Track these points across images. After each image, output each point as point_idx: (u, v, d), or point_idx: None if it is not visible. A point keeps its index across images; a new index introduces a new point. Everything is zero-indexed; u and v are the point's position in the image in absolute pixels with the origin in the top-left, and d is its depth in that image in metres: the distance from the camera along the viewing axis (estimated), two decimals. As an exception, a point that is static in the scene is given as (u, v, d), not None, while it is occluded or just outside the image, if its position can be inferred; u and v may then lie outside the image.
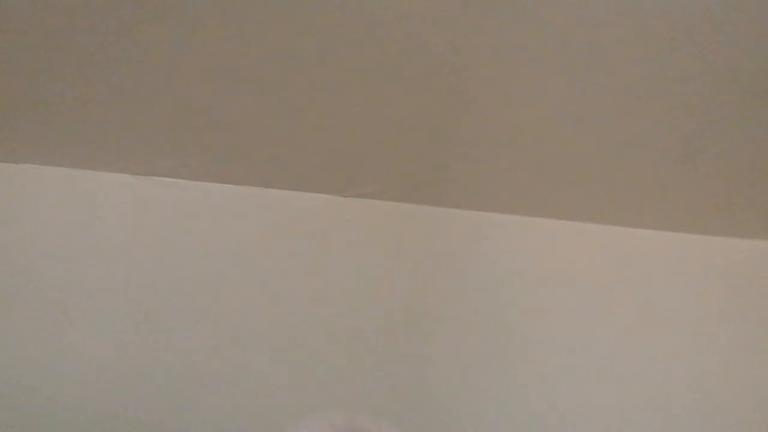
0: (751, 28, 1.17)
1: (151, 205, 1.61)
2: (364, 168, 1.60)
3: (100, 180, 1.60)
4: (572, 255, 1.76)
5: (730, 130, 1.43)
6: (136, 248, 1.59)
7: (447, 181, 1.64)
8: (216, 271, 1.61)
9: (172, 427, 1.51)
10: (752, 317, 1.79)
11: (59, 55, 1.26)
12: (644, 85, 1.31)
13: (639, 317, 1.75)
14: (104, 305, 1.54)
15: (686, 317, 1.76)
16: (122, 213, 1.60)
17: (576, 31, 1.18)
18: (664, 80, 1.30)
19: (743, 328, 1.78)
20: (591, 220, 1.77)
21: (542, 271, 1.74)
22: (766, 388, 1.74)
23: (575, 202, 1.70)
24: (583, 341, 1.71)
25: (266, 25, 1.18)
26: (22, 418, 1.46)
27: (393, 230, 1.70)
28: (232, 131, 1.47)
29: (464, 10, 1.14)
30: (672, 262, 1.79)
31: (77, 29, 1.19)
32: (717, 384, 1.73)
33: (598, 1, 1.12)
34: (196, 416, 1.52)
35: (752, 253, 1.82)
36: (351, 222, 1.69)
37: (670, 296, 1.77)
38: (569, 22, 1.17)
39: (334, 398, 1.57)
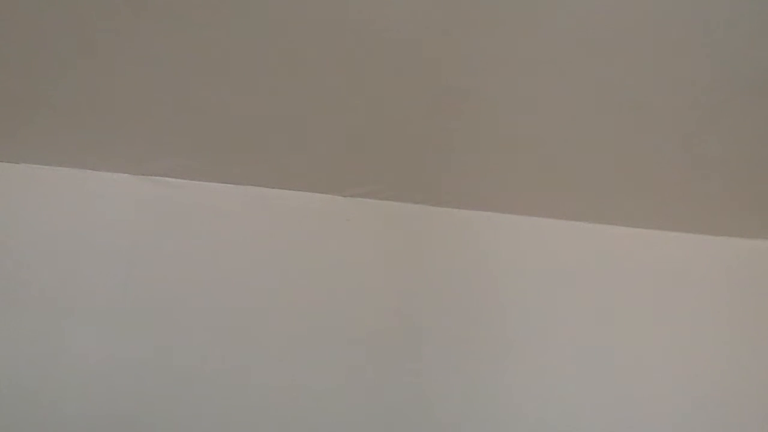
0: (751, 28, 1.17)
1: (151, 205, 1.61)
2: (364, 168, 1.60)
3: (100, 180, 1.60)
4: (572, 255, 1.76)
5: (730, 130, 1.43)
6: (136, 248, 1.59)
7: (447, 181, 1.64)
8: (216, 270, 1.61)
9: (171, 427, 1.51)
10: (752, 317, 1.79)
11: (59, 55, 1.26)
12: (644, 85, 1.31)
13: (639, 317, 1.75)
14: (104, 305, 1.54)
15: (686, 317, 1.76)
16: (122, 213, 1.60)
17: (576, 31, 1.18)
18: (664, 80, 1.30)
19: (743, 327, 1.78)
20: (591, 220, 1.77)
21: (542, 271, 1.74)
22: (766, 387, 1.74)
23: (575, 202, 1.70)
24: (582, 341, 1.71)
25: (267, 26, 1.18)
26: (22, 418, 1.46)
27: (393, 230, 1.70)
28: (232, 131, 1.47)
29: (464, 11, 1.14)
30: (672, 262, 1.80)
31: (77, 29, 1.19)
32: (717, 383, 1.73)
33: (598, 1, 1.12)
34: (196, 416, 1.52)
35: (752, 253, 1.82)
36: (351, 222, 1.69)
37: (671, 296, 1.77)
38: (569, 23, 1.17)
39: (334, 397, 1.57)
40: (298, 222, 1.67)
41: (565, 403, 1.66)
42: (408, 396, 1.61)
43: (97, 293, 1.55)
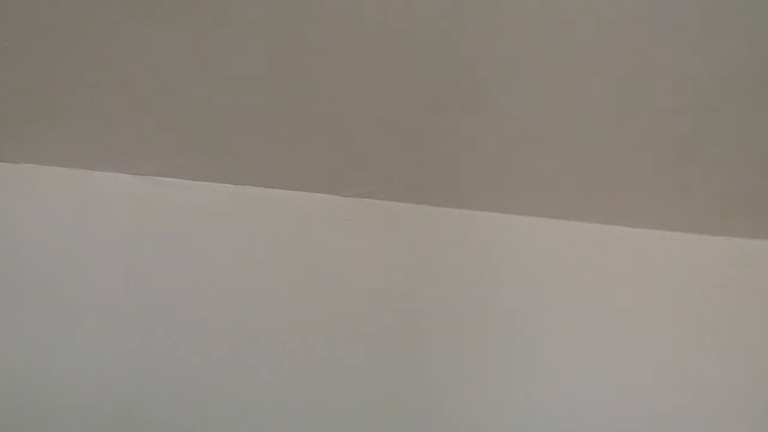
0: (751, 28, 1.17)
1: (151, 205, 1.61)
2: (364, 168, 1.60)
3: (100, 180, 1.60)
4: (572, 255, 1.76)
5: (730, 130, 1.43)
6: (136, 248, 1.59)
7: (447, 181, 1.64)
8: (216, 271, 1.61)
9: (171, 425, 1.51)
10: (752, 317, 1.79)
11: (59, 55, 1.26)
12: (644, 85, 1.31)
13: (639, 317, 1.75)
14: (104, 305, 1.54)
15: (686, 317, 1.76)
16: (122, 213, 1.60)
17: (576, 30, 1.18)
18: (664, 80, 1.30)
19: (743, 327, 1.78)
20: (591, 220, 1.77)
21: (542, 271, 1.74)
22: (765, 388, 1.74)
23: (575, 202, 1.70)
24: (582, 341, 1.71)
25: (266, 25, 1.19)
26: (22, 418, 1.46)
27: (393, 230, 1.70)
28: (232, 131, 1.47)
29: (465, 10, 1.14)
30: (672, 262, 1.79)
31: (77, 29, 1.19)
32: (717, 384, 1.73)
33: (599, 1, 1.12)
34: (195, 415, 1.52)
35: (752, 253, 1.82)
36: (351, 222, 1.69)
37: (670, 296, 1.77)
38: (569, 22, 1.17)
39: (334, 398, 1.57)
40: (298, 222, 1.67)
41: (565, 402, 1.66)
42: (408, 395, 1.60)
43: (97, 293, 1.55)
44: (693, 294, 1.78)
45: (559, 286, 1.74)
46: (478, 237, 1.73)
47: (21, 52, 1.25)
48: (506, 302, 1.70)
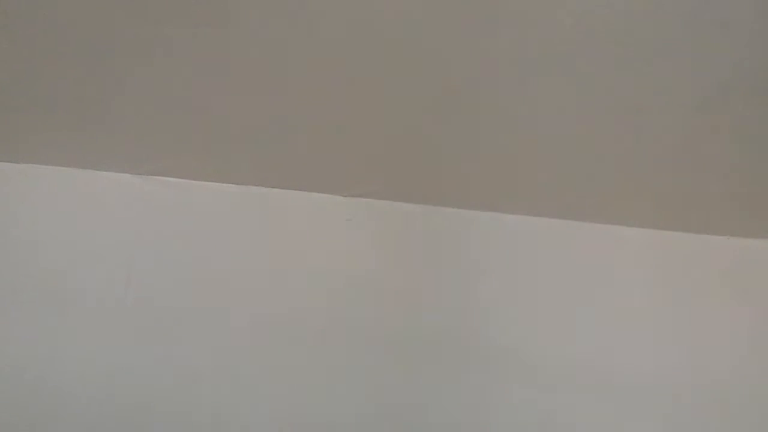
0: (751, 28, 1.18)
1: (151, 205, 1.61)
2: (364, 168, 1.60)
3: (100, 180, 1.60)
4: (572, 255, 1.76)
5: (730, 130, 1.43)
6: (136, 248, 1.59)
7: (447, 181, 1.64)
8: (216, 270, 1.61)
9: (171, 425, 1.51)
10: (753, 317, 1.79)
11: (59, 55, 1.26)
12: (644, 86, 1.31)
13: (639, 317, 1.75)
14: (104, 304, 1.54)
15: (686, 316, 1.76)
16: (122, 213, 1.60)
17: (576, 31, 1.19)
18: (664, 80, 1.30)
19: (744, 327, 1.78)
20: (591, 220, 1.77)
21: (542, 270, 1.74)
22: (766, 387, 1.74)
23: (575, 202, 1.70)
24: (582, 341, 1.71)
25: (267, 26, 1.19)
26: (22, 417, 1.46)
27: (393, 230, 1.70)
28: (232, 131, 1.47)
29: (464, 11, 1.14)
30: (672, 262, 1.79)
31: (78, 29, 1.20)
32: (717, 383, 1.73)
33: (598, 2, 1.13)
34: (195, 415, 1.52)
35: (752, 253, 1.82)
36: (351, 222, 1.69)
37: (671, 296, 1.77)
38: (569, 23, 1.17)
39: (333, 398, 1.57)
40: (298, 222, 1.67)
41: (564, 400, 1.66)
42: (407, 396, 1.60)
43: (97, 292, 1.55)
44: (693, 294, 1.78)
45: (559, 286, 1.74)
46: (478, 237, 1.73)
47: (21, 52, 1.25)
48: (506, 301, 1.70)
